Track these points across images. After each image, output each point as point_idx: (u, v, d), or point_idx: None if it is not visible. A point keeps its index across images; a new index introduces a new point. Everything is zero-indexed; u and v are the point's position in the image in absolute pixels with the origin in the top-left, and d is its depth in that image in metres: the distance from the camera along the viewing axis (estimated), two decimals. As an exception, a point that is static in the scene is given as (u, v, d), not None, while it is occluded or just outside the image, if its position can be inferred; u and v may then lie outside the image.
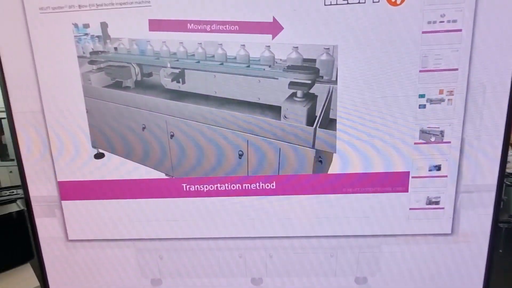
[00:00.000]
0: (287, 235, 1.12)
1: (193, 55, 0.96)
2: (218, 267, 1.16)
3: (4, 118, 2.53)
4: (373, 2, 0.90)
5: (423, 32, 0.92)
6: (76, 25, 0.93)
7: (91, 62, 0.97)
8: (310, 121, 0.99)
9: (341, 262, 1.16)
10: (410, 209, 1.08)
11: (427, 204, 1.08)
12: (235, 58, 0.95)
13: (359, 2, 0.90)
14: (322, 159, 1.04)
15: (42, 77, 0.98)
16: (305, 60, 0.94)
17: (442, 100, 0.97)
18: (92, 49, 0.96)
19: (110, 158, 1.03)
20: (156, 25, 0.93)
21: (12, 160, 2.67)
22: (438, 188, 1.06)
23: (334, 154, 1.03)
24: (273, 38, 0.93)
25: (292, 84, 0.95)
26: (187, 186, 1.05)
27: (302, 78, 0.95)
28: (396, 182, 1.06)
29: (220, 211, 1.08)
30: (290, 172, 1.05)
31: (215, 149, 1.02)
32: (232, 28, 0.92)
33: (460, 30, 0.92)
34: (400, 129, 1.00)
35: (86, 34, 0.94)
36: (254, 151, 1.02)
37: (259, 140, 1.00)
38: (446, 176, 1.05)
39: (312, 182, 1.06)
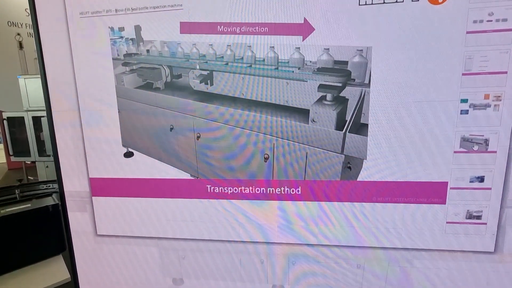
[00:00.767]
0: (311, 243, 1.08)
1: (222, 57, 0.96)
2: (239, 271, 1.15)
3: (44, 116, 2.71)
4: (412, 1, 0.85)
5: (468, 32, 0.85)
6: (112, 29, 0.97)
7: (125, 64, 1.01)
8: (340, 125, 0.95)
9: (367, 275, 1.10)
10: (447, 222, 1.00)
11: (467, 218, 0.99)
12: (263, 60, 0.94)
13: (396, 1, 0.85)
14: (351, 165, 0.99)
15: (79, 77, 1.03)
16: (336, 62, 0.90)
17: (487, 105, 0.89)
18: (126, 51, 0.99)
19: (139, 157, 1.06)
20: (187, 27, 0.94)
21: (49, 155, 2.85)
22: (480, 202, 0.97)
23: (364, 161, 0.98)
24: (303, 39, 0.90)
25: (321, 87, 0.92)
26: (212, 188, 1.04)
27: (332, 80, 0.92)
28: (432, 192, 0.99)
29: (244, 215, 1.07)
30: (317, 177, 1.01)
31: (241, 151, 1.01)
32: (262, 30, 0.91)
33: (510, 30, 0.84)
34: (438, 136, 0.93)
35: (121, 37, 0.98)
36: (280, 155, 1.00)
37: (285, 144, 0.98)
38: (490, 189, 0.96)
39: (340, 189, 1.02)
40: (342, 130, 0.96)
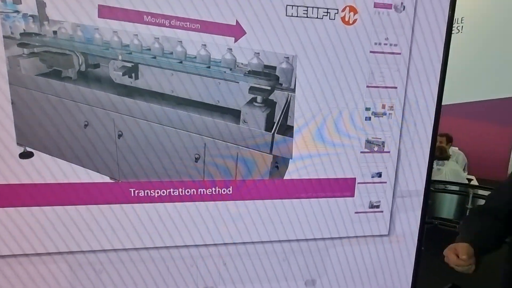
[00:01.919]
0: (243, 241, 1.10)
1: (149, 49, 0.89)
2: (168, 279, 1.08)
3: None
4: (330, 19, 0.96)
5: (371, 52, 1.02)
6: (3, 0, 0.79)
7: (22, 45, 0.83)
8: (269, 126, 1.00)
9: (293, 266, 1.19)
10: (355, 212, 1.17)
11: (369, 208, 1.18)
12: (195, 57, 0.92)
13: (317, 17, 0.95)
14: (278, 165, 1.06)
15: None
16: (266, 66, 0.95)
17: (384, 114, 1.09)
18: (24, 30, 0.82)
19: (41, 158, 0.88)
20: (106, 12, 0.84)
21: None
22: (379, 193, 1.17)
23: (290, 160, 1.06)
24: (235, 41, 0.92)
25: (252, 89, 0.95)
26: (136, 191, 0.96)
27: (262, 84, 0.96)
28: (344, 187, 1.14)
29: (173, 218, 1.01)
30: (247, 177, 1.04)
31: (169, 151, 0.96)
32: (194, 26, 0.89)
33: (400, 53, 1.04)
34: (350, 139, 1.09)
35: (17, 12, 0.80)
36: (212, 155, 0.98)
37: (217, 144, 0.98)
38: (385, 182, 1.17)
39: (269, 187, 1.07)
40: (271, 131, 1.01)
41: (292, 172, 1.07)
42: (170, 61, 0.90)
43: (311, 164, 1.08)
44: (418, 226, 1.25)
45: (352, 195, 1.15)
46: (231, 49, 0.92)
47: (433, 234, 2.17)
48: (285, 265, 1.18)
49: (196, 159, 0.98)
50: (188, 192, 1.00)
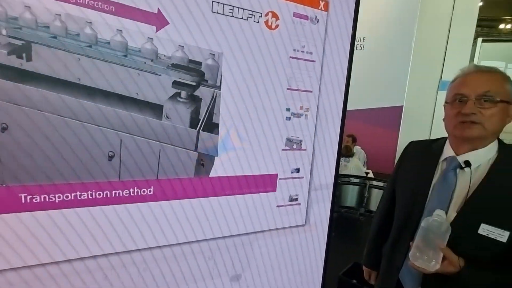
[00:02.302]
0: (168, 243, 1.04)
1: (47, 26, 0.75)
2: (71, 297, 0.93)
3: None
4: (254, 21, 1.00)
5: (290, 57, 1.10)
6: None
7: None
8: (194, 123, 0.98)
9: (219, 264, 1.19)
10: (277, 206, 1.25)
11: (289, 201, 1.28)
12: (108, 43, 0.82)
13: (242, 18, 0.98)
14: (204, 162, 1.04)
15: None
16: (191, 61, 0.92)
17: (301, 115, 1.20)
18: None
19: None
20: (-16, -27, 0.67)
21: None
22: (297, 187, 1.28)
23: (216, 157, 1.05)
24: (156, 31, 0.86)
25: (176, 84, 0.91)
26: (28, 197, 0.79)
27: (187, 79, 0.93)
28: (267, 183, 1.20)
29: (80, 226, 0.88)
30: (170, 175, 0.99)
31: (75, 148, 0.83)
32: (107, 8, 0.79)
33: (314, 61, 1.17)
34: (272, 137, 1.15)
35: None
36: (129, 153, 0.90)
37: (135, 140, 0.90)
38: (302, 177, 1.29)
39: (194, 186, 1.04)
40: (196, 128, 0.99)
41: (218, 169, 1.07)
42: (76, 44, 0.78)
43: (237, 161, 1.10)
44: (328, 215, 1.42)
45: (274, 190, 1.23)
46: (152, 38, 0.86)
47: (339, 221, 2.50)
48: (211, 263, 1.17)
49: (110, 158, 0.87)
50: (99, 195, 0.88)
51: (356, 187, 3.21)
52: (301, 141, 1.23)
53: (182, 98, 0.94)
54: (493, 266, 0.62)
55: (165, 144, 0.94)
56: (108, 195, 0.90)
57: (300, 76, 1.16)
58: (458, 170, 0.71)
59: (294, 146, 1.22)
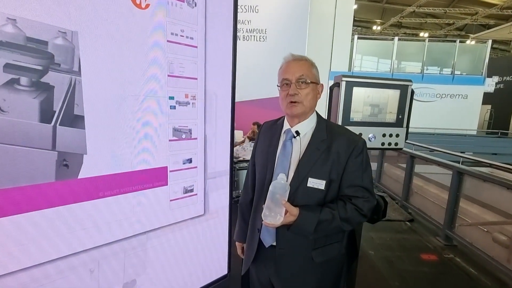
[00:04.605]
0: (31, 264, 0.85)
1: None
2: None
3: None
4: (118, -2, 0.88)
5: (168, 41, 1.03)
6: None
7: None
8: (47, 117, 0.81)
9: (105, 274, 1.06)
10: (171, 200, 1.19)
11: (184, 193, 1.24)
12: None
13: (101, -7, 0.85)
14: (68, 163, 0.88)
15: None
16: (30, 39, 0.75)
17: (188, 103, 1.15)
18: None
19: None
20: None
21: None
22: (191, 178, 1.25)
23: (85, 156, 0.91)
24: (-32, -4, 0.65)
25: (10, 67, 0.72)
26: None
27: (28, 61, 0.75)
28: (156, 178, 1.12)
29: None
30: (23, 183, 0.80)
31: None
32: None
33: (196, 47, 1.13)
34: (158, 127, 1.07)
35: None
36: None
37: None
38: (196, 167, 1.26)
39: (59, 191, 0.87)
40: (50, 123, 0.82)
41: (90, 169, 0.93)
42: None
43: (114, 156, 0.98)
44: (228, 201, 1.45)
45: (166, 184, 1.16)
46: (-42, 6, 0.64)
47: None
48: (96, 275, 1.03)
49: None
50: None
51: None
52: (190, 130, 1.19)
53: (23, 85, 0.75)
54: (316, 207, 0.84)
55: (3, 144, 0.75)
56: None
57: (182, 62, 1.10)
58: (292, 139, 0.89)
59: (183, 136, 1.17)
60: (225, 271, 1.57)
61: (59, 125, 0.83)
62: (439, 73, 8.60)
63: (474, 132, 8.45)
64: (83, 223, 0.95)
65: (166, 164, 1.14)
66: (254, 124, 3.82)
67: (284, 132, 0.92)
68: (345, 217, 0.81)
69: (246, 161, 3.20)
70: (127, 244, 1.09)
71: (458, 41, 8.37)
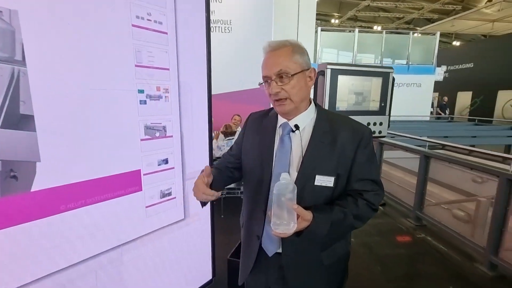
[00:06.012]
0: None
1: None
2: None
3: None
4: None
5: (133, 26, 0.90)
6: None
7: None
8: (-18, 118, 0.64)
9: (75, 298, 0.91)
10: (147, 207, 1.07)
11: (161, 198, 1.11)
12: None
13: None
14: (17, 174, 0.72)
15: None
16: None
17: (160, 97, 1.03)
18: None
19: None
20: None
21: None
22: (168, 180, 1.13)
23: (38, 164, 0.75)
24: None
25: None
26: None
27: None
28: (128, 183, 0.99)
29: None
30: None
31: None
32: None
33: (166, 33, 1.00)
34: (123, 126, 0.93)
35: None
36: None
37: None
38: (173, 168, 1.14)
39: (7, 210, 0.71)
40: (-12, 126, 0.66)
41: (46, 179, 0.77)
42: None
43: (76, 162, 0.83)
44: (209, 203, 1.35)
45: (140, 189, 1.03)
46: None
47: (225, 204, 2.53)
48: (59, 304, 0.88)
49: None
50: None
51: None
52: (164, 127, 1.07)
53: None
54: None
55: None
56: None
57: (151, 51, 0.97)
58: (291, 133, 0.78)
59: (157, 134, 1.05)
60: (210, 276, 1.48)
61: (1, 127, 0.67)
62: (395, 64, 9.15)
63: (427, 118, 9.17)
64: (41, 245, 0.80)
65: (139, 167, 1.01)
66: (237, 115, 3.68)
67: (280, 126, 0.81)
68: (357, 213, 0.74)
69: (216, 158, 3.08)
70: (98, 262, 0.95)
71: (411, 33, 8.95)
